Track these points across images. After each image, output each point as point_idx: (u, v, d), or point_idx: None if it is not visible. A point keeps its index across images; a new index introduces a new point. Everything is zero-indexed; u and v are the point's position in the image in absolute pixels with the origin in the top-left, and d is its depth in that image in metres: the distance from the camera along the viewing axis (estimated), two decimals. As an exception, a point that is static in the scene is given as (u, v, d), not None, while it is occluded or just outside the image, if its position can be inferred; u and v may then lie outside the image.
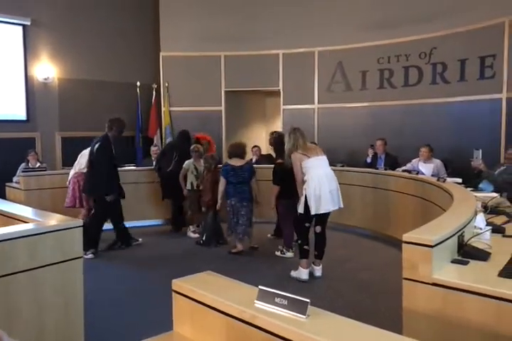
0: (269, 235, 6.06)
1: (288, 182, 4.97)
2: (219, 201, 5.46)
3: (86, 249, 5.28)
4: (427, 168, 6.14)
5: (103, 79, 8.22)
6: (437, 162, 6.20)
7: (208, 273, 2.06)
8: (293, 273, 4.59)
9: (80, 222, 2.78)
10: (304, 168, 4.40)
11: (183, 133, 6.76)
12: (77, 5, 7.98)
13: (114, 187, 5.42)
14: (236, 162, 5.45)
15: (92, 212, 5.54)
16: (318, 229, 4.56)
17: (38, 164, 6.85)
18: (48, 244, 2.58)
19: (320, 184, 4.30)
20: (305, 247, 4.51)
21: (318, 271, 4.61)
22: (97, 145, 5.31)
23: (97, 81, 8.15)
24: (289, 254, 5.31)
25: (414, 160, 6.37)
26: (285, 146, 4.55)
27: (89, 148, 5.73)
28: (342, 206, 4.52)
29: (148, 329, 2.17)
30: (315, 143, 5.91)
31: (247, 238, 5.50)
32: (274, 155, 5.83)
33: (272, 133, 5.95)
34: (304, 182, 4.37)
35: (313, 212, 4.31)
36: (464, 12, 6.57)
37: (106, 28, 8.33)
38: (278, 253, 5.39)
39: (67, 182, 5.96)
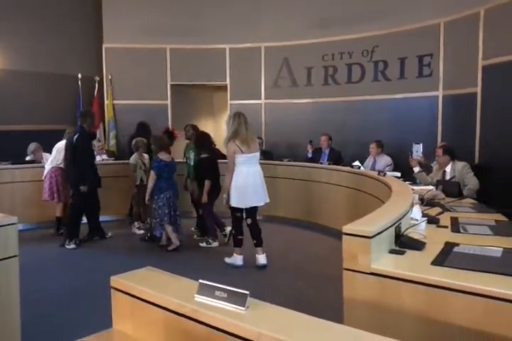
0: (192, 228, 6.01)
1: (215, 176, 5.20)
2: (147, 197, 5.30)
3: (70, 239, 5.37)
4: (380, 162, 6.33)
5: (41, 70, 7.82)
6: (387, 158, 6.39)
7: (148, 268, 2.01)
8: (227, 260, 4.66)
9: (14, 218, 2.64)
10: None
11: (141, 125, 6.69)
12: (12, -8, 7.57)
13: (88, 178, 5.39)
14: (166, 157, 5.34)
15: (70, 203, 5.54)
16: (249, 220, 4.64)
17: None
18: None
19: (244, 180, 4.43)
20: (239, 237, 4.62)
21: (262, 258, 4.64)
22: (76, 137, 5.36)
23: (34, 72, 7.74)
24: (215, 244, 5.47)
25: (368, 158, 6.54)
26: (227, 129, 4.56)
27: (62, 142, 5.77)
28: (268, 201, 4.63)
29: (87, 327, 2.11)
30: (260, 138, 5.96)
31: (181, 230, 5.52)
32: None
33: (185, 126, 5.99)
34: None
35: (233, 205, 4.47)
36: (403, 13, 6.81)
37: (44, 17, 7.91)
38: (203, 244, 5.49)
39: (43, 177, 5.83)
